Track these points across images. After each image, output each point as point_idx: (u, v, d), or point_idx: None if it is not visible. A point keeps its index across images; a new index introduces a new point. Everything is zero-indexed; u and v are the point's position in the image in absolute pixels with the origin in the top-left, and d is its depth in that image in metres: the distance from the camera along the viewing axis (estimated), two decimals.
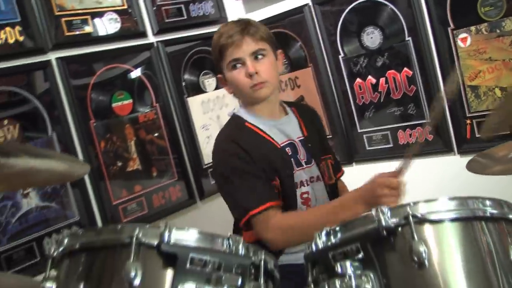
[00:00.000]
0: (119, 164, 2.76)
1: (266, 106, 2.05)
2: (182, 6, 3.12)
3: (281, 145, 2.00)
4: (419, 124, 2.73)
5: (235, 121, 2.08)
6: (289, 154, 2.00)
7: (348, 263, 1.01)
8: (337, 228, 1.10)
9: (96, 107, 2.72)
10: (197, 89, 3.14)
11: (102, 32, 2.76)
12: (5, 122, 2.40)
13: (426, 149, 2.69)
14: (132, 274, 1.02)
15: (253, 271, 1.12)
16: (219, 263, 1.05)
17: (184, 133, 3.02)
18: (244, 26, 1.97)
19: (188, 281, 1.02)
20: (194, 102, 3.11)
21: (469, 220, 1.07)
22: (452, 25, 2.50)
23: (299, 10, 3.00)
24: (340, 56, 2.92)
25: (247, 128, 2.00)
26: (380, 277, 1.01)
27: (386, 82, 2.78)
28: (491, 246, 1.07)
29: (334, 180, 2.15)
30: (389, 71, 2.76)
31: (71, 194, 2.58)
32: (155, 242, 1.05)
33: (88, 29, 2.72)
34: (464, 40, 2.49)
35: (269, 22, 3.08)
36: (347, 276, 1.00)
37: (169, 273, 1.04)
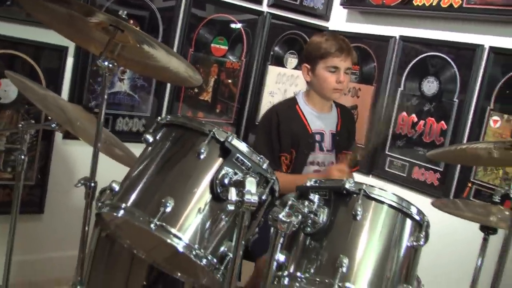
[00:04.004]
0: (196, 91, 3.67)
1: (321, 102, 2.92)
2: None
3: (313, 131, 2.86)
4: (432, 169, 3.53)
5: (290, 100, 2.98)
6: (317, 140, 2.86)
7: (316, 196, 1.86)
8: (322, 180, 1.95)
9: (199, 40, 3.63)
10: (280, 62, 4.03)
11: None
12: (131, 22, 3.33)
13: (429, 190, 3.51)
14: (202, 150, 1.85)
15: (265, 184, 1.96)
16: (250, 166, 1.88)
17: (254, 90, 3.92)
18: (350, 47, 2.85)
19: (229, 167, 1.87)
20: (273, 71, 3.99)
21: (397, 210, 1.89)
22: (492, 106, 3.28)
23: (386, 38, 3.82)
24: (399, 89, 3.74)
25: (294, 109, 2.89)
26: (330, 213, 1.85)
27: (424, 125, 3.58)
28: (399, 233, 1.88)
29: None
30: (430, 118, 3.57)
31: (152, 95, 3.51)
32: (222, 139, 1.89)
33: None
34: (495, 122, 3.26)
35: (360, 36, 3.93)
36: (312, 202, 1.85)
37: (221, 159, 1.88)
